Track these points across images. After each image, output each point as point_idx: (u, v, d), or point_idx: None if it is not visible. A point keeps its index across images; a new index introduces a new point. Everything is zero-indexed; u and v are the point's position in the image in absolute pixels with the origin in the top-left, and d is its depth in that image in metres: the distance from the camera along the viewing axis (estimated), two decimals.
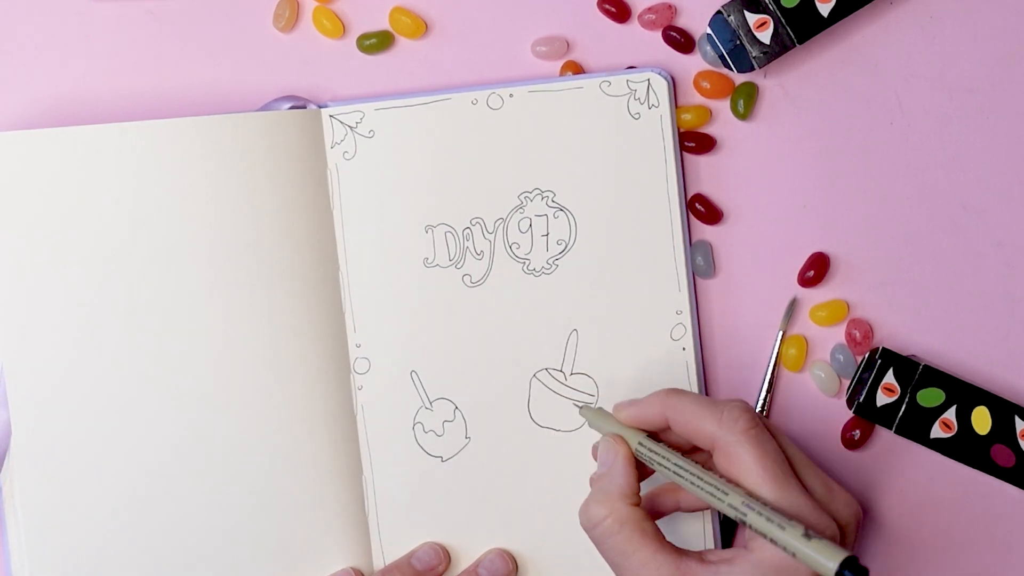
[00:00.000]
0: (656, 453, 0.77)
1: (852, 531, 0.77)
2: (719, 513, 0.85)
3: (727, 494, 0.74)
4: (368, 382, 0.86)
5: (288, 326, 0.84)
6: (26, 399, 0.83)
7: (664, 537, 0.76)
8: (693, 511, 0.82)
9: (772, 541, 0.72)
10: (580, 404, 0.85)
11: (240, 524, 0.84)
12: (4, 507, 0.84)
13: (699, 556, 0.75)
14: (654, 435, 0.79)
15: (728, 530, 0.86)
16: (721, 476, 0.75)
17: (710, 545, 0.85)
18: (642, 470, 0.79)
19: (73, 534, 0.83)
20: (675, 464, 0.76)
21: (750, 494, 0.74)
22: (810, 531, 0.71)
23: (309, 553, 0.85)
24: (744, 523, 0.73)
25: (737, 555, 0.74)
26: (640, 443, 0.78)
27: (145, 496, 0.84)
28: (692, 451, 0.80)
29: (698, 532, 0.85)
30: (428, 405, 0.86)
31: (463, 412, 0.86)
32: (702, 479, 0.75)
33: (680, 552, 0.75)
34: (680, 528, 0.85)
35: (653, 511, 0.81)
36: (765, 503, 0.73)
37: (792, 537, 0.71)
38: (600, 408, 0.82)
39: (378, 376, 0.86)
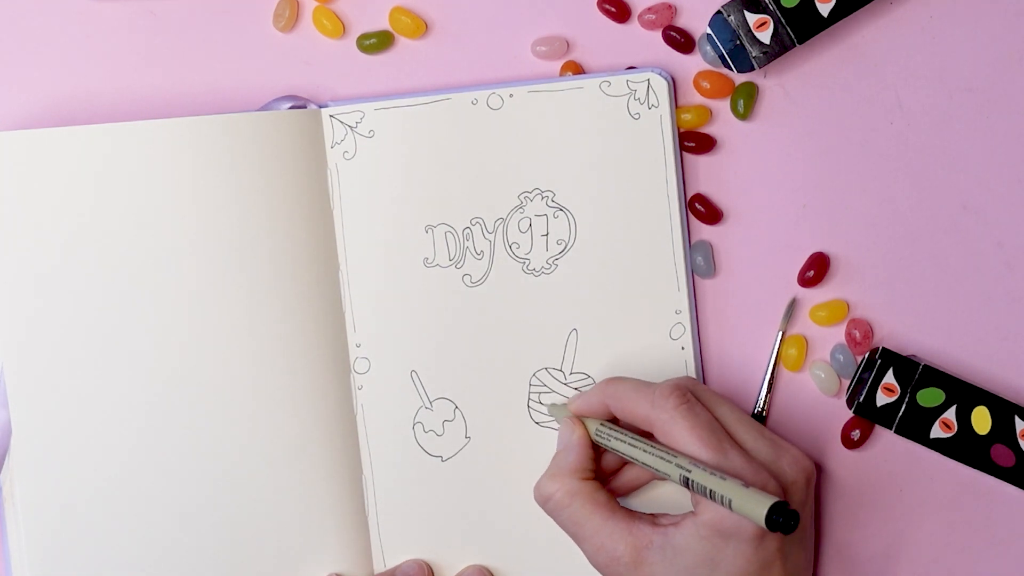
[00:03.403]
0: (611, 433, 0.81)
1: (801, 488, 0.80)
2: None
3: (675, 457, 0.78)
4: (368, 382, 0.86)
5: (288, 326, 0.84)
6: (26, 399, 0.83)
7: (617, 504, 0.81)
8: (663, 481, 0.85)
9: (711, 495, 0.75)
10: (546, 403, 0.86)
11: (240, 524, 0.84)
12: (4, 507, 0.84)
13: (651, 519, 0.80)
14: (614, 422, 0.83)
15: None
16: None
17: None
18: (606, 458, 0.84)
19: (73, 534, 0.83)
20: (629, 441, 0.80)
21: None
22: (747, 484, 0.75)
23: (309, 553, 0.85)
24: (689, 482, 0.76)
25: (685, 517, 0.79)
26: (598, 428, 0.82)
27: (145, 496, 0.84)
28: (643, 435, 0.82)
29: (678, 506, 0.85)
30: (428, 405, 0.86)
31: (463, 412, 0.86)
32: (651, 450, 0.79)
33: (633, 516, 0.80)
34: (660, 504, 0.86)
35: (626, 485, 0.84)
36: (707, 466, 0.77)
37: (730, 486, 0.75)
38: (564, 404, 0.85)
39: (378, 376, 0.86)
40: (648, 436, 0.81)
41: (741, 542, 0.77)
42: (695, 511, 0.78)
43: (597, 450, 0.83)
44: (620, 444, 0.81)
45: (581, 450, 0.82)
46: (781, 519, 0.73)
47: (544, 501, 0.81)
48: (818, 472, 0.86)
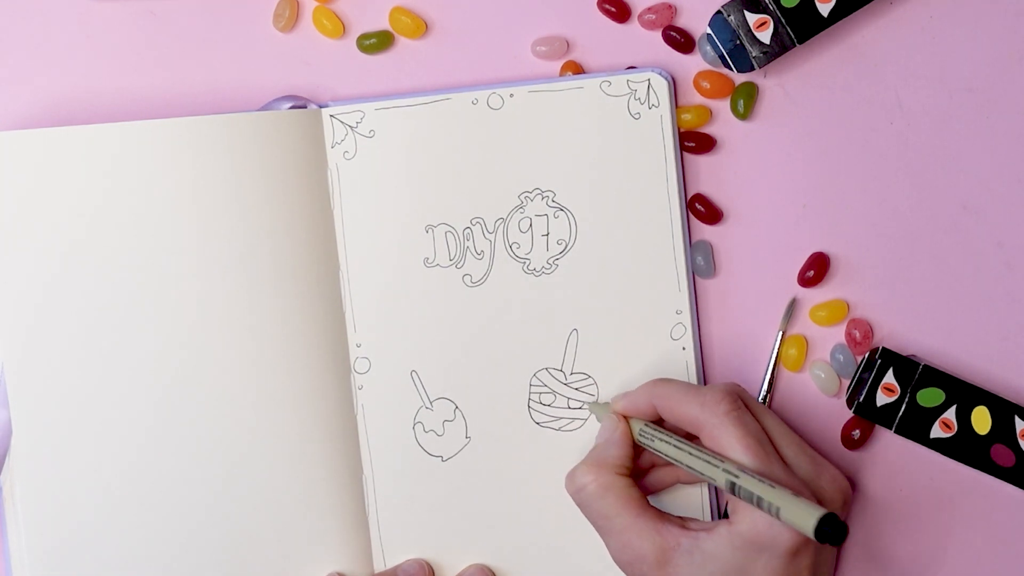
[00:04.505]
0: (656, 434, 0.81)
1: (838, 507, 0.80)
2: (715, 495, 0.85)
3: (722, 462, 0.77)
4: (368, 382, 0.86)
5: (288, 326, 0.84)
6: (26, 399, 0.83)
7: (648, 504, 0.80)
8: (692, 483, 0.85)
9: (759, 501, 0.75)
10: (587, 402, 0.85)
11: (240, 524, 0.84)
12: (4, 507, 0.84)
13: (681, 522, 0.79)
14: (656, 424, 0.82)
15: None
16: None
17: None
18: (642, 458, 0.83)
19: (73, 534, 0.83)
20: (674, 443, 0.79)
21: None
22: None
23: (309, 553, 0.85)
24: (735, 487, 0.76)
25: (718, 525, 0.78)
26: (642, 429, 0.81)
27: (145, 496, 0.84)
28: (687, 437, 0.82)
29: (696, 510, 0.85)
30: (428, 405, 0.86)
31: (463, 412, 0.86)
32: (698, 454, 0.78)
33: (662, 517, 0.79)
34: (679, 505, 0.85)
35: (653, 485, 0.84)
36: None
37: (780, 495, 0.74)
38: (607, 403, 0.84)
39: (378, 376, 0.86)
40: (690, 438, 0.81)
41: (774, 556, 0.76)
42: (731, 520, 0.77)
43: (635, 450, 0.82)
44: (664, 445, 0.80)
45: (623, 446, 0.81)
46: (831, 530, 0.72)
47: (576, 491, 0.81)
48: (854, 491, 0.86)
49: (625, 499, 0.79)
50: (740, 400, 0.79)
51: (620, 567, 0.80)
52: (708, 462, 0.77)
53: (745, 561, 0.76)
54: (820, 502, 0.79)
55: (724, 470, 0.77)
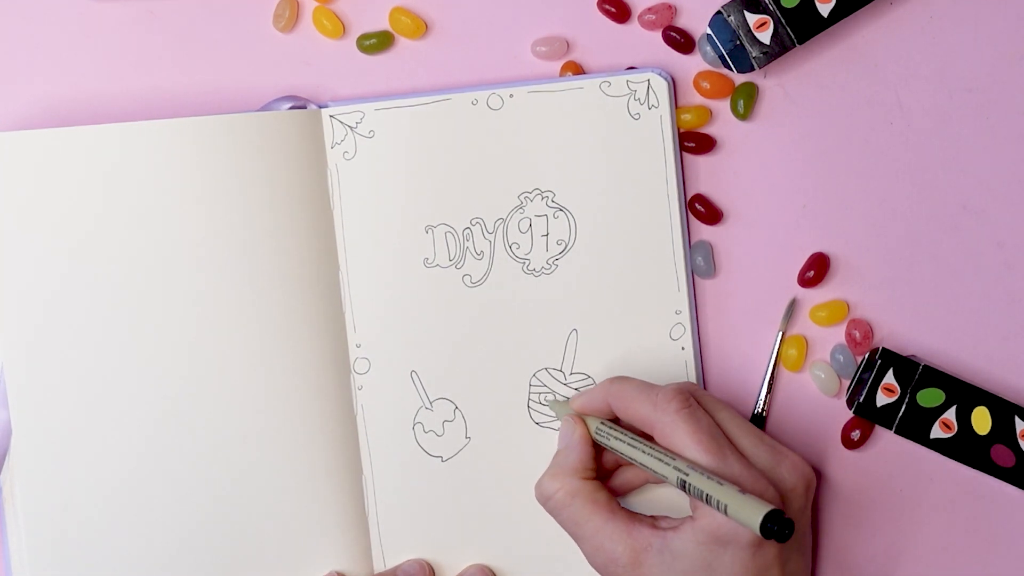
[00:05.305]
0: (612, 432, 0.81)
1: (800, 495, 0.80)
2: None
3: (673, 459, 0.77)
4: (368, 382, 0.86)
5: (288, 326, 0.84)
6: (26, 399, 0.83)
7: (618, 505, 0.81)
8: (659, 483, 0.85)
9: (708, 499, 0.75)
10: (547, 401, 0.86)
11: (240, 524, 0.84)
12: (4, 507, 0.84)
13: (652, 522, 0.80)
14: (615, 421, 0.83)
15: None
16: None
17: None
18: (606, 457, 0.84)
19: (73, 534, 0.84)
20: (628, 441, 0.80)
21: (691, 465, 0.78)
22: (745, 490, 0.75)
23: (309, 553, 0.85)
24: (686, 485, 0.76)
25: (683, 522, 0.78)
26: (598, 427, 0.82)
27: (145, 496, 0.84)
28: (643, 436, 0.82)
29: (677, 508, 0.85)
30: (428, 405, 0.86)
31: (463, 412, 0.86)
32: (651, 452, 0.79)
33: (633, 518, 0.80)
34: (659, 504, 0.85)
35: (624, 485, 0.85)
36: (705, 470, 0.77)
37: (727, 492, 0.75)
38: (565, 401, 0.85)
39: (378, 376, 0.86)
40: (648, 438, 0.81)
41: (739, 549, 0.77)
42: (693, 516, 0.78)
43: (598, 449, 0.83)
44: (619, 444, 0.81)
45: (582, 449, 0.82)
46: (776, 527, 0.73)
47: (545, 500, 0.81)
48: (818, 478, 0.86)
49: (593, 503, 0.80)
50: (692, 397, 0.80)
51: (595, 570, 0.80)
52: (660, 460, 0.78)
53: (711, 556, 0.77)
54: (780, 491, 0.79)
55: (675, 468, 0.77)
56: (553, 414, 0.86)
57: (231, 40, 0.87)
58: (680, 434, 0.78)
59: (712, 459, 0.77)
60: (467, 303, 0.86)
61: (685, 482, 0.76)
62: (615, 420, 0.83)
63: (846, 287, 0.87)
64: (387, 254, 0.86)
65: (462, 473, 0.86)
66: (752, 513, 0.73)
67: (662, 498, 0.85)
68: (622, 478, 0.85)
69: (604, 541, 0.79)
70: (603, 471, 0.84)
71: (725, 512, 0.75)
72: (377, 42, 0.87)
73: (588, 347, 0.86)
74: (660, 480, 0.82)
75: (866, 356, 0.86)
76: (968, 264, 0.87)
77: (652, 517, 0.81)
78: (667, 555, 0.78)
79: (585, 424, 0.83)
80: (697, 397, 0.81)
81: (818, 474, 0.86)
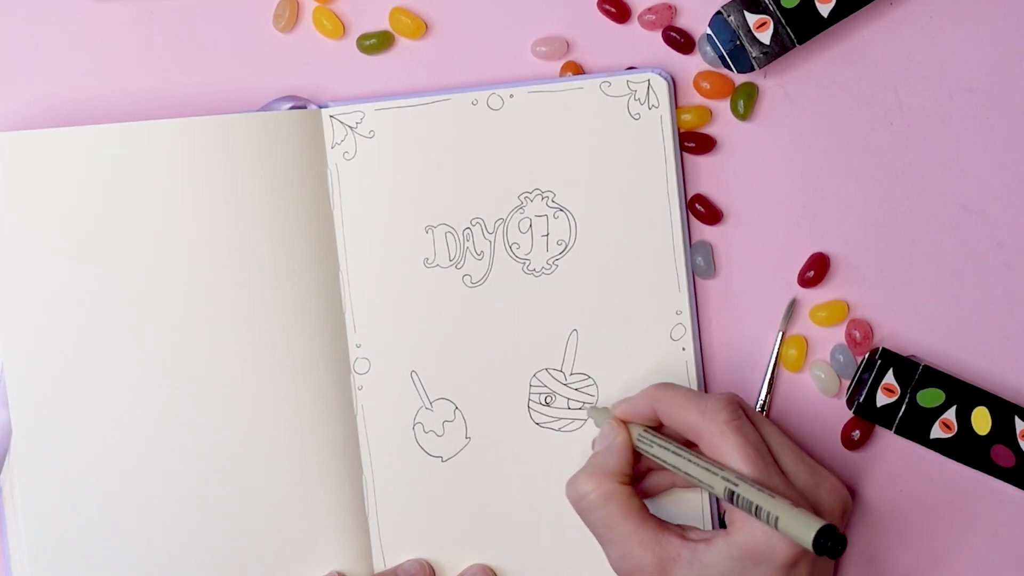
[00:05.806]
0: (655, 440, 0.80)
1: (837, 518, 0.80)
2: (714, 501, 0.85)
3: (721, 470, 0.77)
4: (368, 382, 0.86)
5: (288, 326, 0.84)
6: (26, 399, 0.83)
7: (649, 514, 0.80)
8: (688, 488, 0.84)
9: (757, 511, 0.74)
10: (587, 405, 0.85)
11: (240, 524, 0.84)
12: (4, 507, 0.84)
13: (681, 532, 0.79)
14: (655, 429, 0.82)
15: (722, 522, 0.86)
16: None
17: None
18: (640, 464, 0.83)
19: (73, 534, 0.84)
20: (673, 450, 0.79)
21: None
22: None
23: (309, 553, 0.85)
24: (734, 496, 0.76)
25: (717, 535, 0.77)
26: (640, 434, 0.81)
27: (145, 496, 0.84)
28: (686, 444, 0.81)
29: (696, 518, 0.85)
30: (428, 405, 0.86)
31: (463, 412, 0.86)
32: (697, 461, 0.78)
33: (663, 527, 0.79)
34: (679, 512, 0.85)
35: (650, 489, 0.84)
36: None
37: (779, 504, 0.74)
38: (606, 408, 0.84)
39: (378, 376, 0.86)
40: (691, 446, 0.81)
41: (771, 568, 0.76)
42: (728, 530, 0.77)
43: (635, 456, 0.82)
44: (663, 452, 0.80)
45: (624, 454, 0.81)
46: (829, 543, 0.72)
47: (578, 499, 0.80)
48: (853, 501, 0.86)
49: (626, 509, 0.79)
50: (740, 409, 0.79)
51: None
52: (707, 470, 0.77)
53: (742, 572, 0.76)
54: (819, 513, 0.79)
55: (723, 478, 0.76)
56: (554, 415, 0.86)
57: (231, 40, 0.87)
58: (727, 446, 0.78)
59: (757, 474, 0.77)
60: (467, 303, 0.86)
61: (734, 493, 0.76)
62: (656, 428, 0.82)
63: (846, 287, 0.87)
64: (387, 254, 0.86)
65: (462, 473, 0.86)
66: (805, 527, 0.72)
67: (685, 506, 0.85)
68: (648, 483, 0.84)
69: (632, 548, 0.78)
70: (634, 478, 0.83)
71: (775, 525, 0.74)
72: (377, 42, 0.87)
73: (588, 347, 0.86)
74: (690, 484, 0.82)
75: (866, 356, 0.86)
76: (968, 264, 0.87)
77: (681, 527, 0.80)
78: (696, 567, 0.77)
79: (627, 430, 0.82)
80: (743, 409, 0.80)
81: (853, 495, 0.86)
